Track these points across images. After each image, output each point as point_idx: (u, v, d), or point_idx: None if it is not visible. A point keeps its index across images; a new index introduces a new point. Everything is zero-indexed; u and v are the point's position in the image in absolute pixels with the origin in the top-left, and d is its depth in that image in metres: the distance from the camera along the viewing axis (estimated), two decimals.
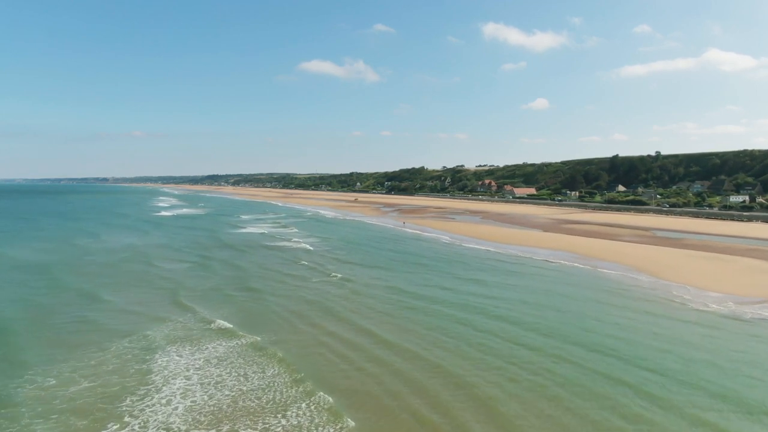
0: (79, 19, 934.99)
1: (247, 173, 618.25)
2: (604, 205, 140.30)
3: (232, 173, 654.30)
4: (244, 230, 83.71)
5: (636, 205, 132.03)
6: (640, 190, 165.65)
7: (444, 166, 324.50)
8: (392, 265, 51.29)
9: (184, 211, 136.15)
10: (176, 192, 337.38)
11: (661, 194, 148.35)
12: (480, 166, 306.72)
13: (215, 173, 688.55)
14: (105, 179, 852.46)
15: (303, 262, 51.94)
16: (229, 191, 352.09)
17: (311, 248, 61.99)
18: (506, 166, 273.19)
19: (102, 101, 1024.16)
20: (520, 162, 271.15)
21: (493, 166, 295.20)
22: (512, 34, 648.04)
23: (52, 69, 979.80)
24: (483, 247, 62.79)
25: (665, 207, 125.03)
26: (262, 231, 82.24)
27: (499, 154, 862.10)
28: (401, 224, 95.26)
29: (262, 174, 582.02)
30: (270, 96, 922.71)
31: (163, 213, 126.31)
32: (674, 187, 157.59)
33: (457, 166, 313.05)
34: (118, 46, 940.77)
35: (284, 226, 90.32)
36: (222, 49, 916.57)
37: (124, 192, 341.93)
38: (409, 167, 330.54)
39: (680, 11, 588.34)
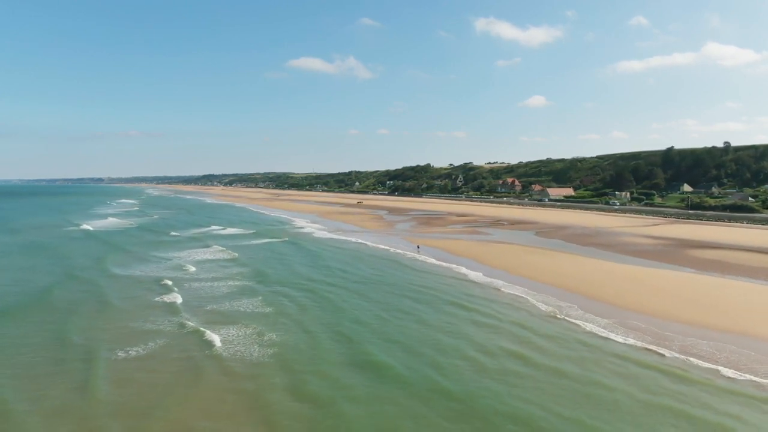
0: (74, 20, 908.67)
1: (243, 173, 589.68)
2: (691, 212, 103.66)
3: (228, 173, 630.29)
4: (153, 272, 48.42)
5: (741, 212, 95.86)
6: (714, 190, 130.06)
7: (451, 164, 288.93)
8: None
9: (128, 221, 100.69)
10: (155, 193, 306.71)
11: (753, 196, 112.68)
12: (490, 163, 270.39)
13: (212, 173, 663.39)
14: (100, 179, 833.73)
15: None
16: (216, 192, 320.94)
17: (261, 352, 26.77)
18: (529, 163, 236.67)
19: (97, 101, 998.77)
20: (525, 160, 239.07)
21: (504, 163, 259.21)
22: (505, 28, 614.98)
23: (47, 69, 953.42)
24: (658, 352, 27.19)
25: None
26: (186, 275, 47.19)
27: (499, 152, 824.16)
28: (416, 248, 59.46)
29: (257, 174, 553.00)
30: (264, 94, 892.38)
31: (107, 220, 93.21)
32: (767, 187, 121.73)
33: (466, 163, 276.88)
34: (112, 47, 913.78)
35: (237, 261, 54.95)
36: (213, 48, 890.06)
37: (100, 193, 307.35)
38: (413, 165, 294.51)
39: (677, 2, 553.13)
